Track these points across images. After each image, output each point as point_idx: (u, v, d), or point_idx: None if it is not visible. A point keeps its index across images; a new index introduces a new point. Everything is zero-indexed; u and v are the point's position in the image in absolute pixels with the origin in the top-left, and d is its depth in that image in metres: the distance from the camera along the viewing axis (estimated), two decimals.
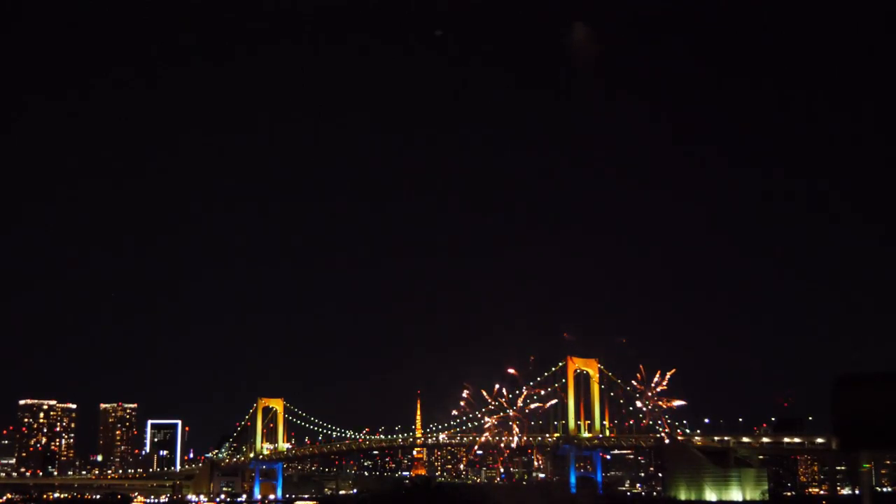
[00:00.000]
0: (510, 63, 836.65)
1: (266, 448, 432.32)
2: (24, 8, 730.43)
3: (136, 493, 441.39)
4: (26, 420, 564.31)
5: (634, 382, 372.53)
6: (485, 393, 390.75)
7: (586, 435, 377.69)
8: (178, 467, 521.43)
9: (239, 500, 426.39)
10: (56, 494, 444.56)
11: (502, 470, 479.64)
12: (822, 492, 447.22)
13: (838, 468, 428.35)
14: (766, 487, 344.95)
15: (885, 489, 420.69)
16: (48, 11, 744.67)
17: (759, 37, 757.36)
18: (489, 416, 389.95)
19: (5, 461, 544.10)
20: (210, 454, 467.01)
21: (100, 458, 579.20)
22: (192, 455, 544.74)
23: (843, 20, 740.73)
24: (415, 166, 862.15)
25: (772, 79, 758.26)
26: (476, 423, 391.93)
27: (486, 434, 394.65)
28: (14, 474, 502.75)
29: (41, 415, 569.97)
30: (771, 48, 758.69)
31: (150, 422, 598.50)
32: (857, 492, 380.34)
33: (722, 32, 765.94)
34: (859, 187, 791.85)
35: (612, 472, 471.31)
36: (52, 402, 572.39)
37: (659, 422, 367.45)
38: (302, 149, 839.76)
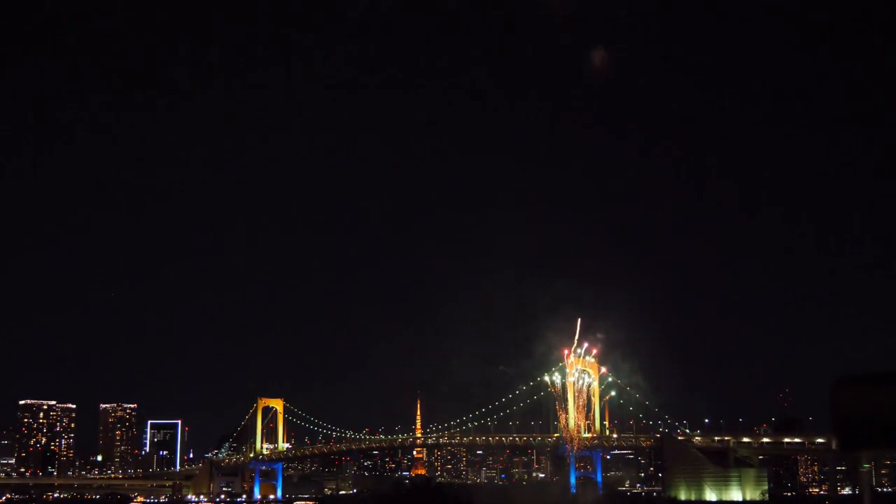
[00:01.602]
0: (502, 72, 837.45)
1: (266, 448, 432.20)
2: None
3: (135, 493, 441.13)
4: (26, 420, 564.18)
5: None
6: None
7: (586, 435, 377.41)
8: (178, 467, 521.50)
9: (239, 500, 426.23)
10: (56, 494, 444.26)
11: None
12: (822, 492, 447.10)
13: (838, 468, 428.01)
14: (766, 487, 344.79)
15: (885, 489, 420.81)
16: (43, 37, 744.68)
17: (752, 47, 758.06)
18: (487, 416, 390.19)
19: (5, 461, 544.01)
20: (210, 454, 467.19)
21: (100, 458, 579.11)
22: (192, 455, 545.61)
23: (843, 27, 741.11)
24: (412, 168, 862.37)
25: (765, 88, 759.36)
26: (475, 424, 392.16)
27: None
28: (14, 474, 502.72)
29: (41, 415, 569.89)
30: (762, 62, 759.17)
31: (150, 422, 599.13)
32: (857, 492, 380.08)
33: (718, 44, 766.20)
34: (859, 189, 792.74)
35: (612, 472, 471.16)
36: (52, 402, 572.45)
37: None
38: (300, 154, 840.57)
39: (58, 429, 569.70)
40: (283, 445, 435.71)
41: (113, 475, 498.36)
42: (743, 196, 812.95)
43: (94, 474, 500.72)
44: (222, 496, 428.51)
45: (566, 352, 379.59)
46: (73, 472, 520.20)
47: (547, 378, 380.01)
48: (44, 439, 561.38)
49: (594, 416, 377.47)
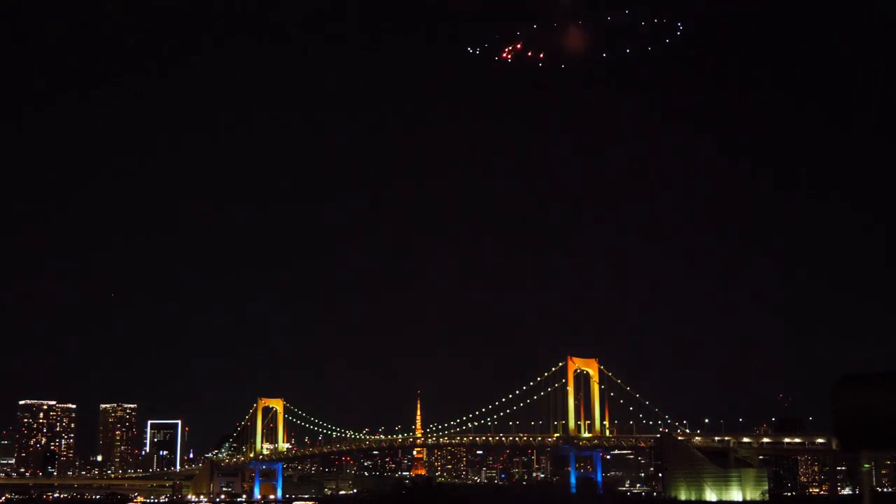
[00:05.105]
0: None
1: (266, 448, 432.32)
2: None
3: (136, 494, 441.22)
4: (26, 420, 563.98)
5: None
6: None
7: (586, 435, 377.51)
8: (178, 467, 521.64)
9: (239, 500, 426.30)
10: (56, 494, 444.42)
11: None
12: (822, 492, 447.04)
13: (838, 468, 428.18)
14: (766, 487, 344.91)
15: (885, 489, 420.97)
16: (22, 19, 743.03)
17: (762, 30, 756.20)
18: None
19: (5, 461, 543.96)
20: (210, 454, 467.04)
21: (100, 458, 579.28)
22: (192, 455, 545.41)
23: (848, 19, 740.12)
24: (416, 165, 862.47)
25: (774, 77, 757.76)
26: (475, 424, 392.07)
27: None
28: (14, 474, 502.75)
29: (41, 415, 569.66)
30: (771, 44, 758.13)
31: (150, 422, 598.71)
32: (857, 492, 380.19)
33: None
34: (861, 187, 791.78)
35: (612, 472, 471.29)
36: (52, 402, 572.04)
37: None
38: (300, 146, 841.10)
39: (58, 429, 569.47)
40: (283, 445, 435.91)
41: (113, 475, 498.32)
42: (745, 197, 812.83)
43: (94, 474, 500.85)
44: (222, 496, 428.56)
45: (568, 359, 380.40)
46: (73, 472, 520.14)
47: (546, 377, 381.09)
48: (44, 439, 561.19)
49: (594, 415, 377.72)
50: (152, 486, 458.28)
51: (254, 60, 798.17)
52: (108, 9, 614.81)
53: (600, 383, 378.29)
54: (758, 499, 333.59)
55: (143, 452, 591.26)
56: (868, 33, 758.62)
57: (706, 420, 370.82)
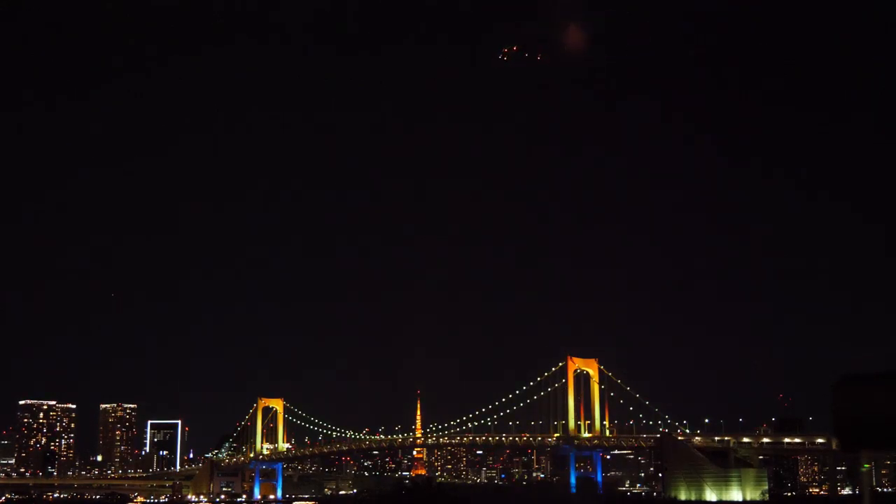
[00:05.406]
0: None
1: (266, 448, 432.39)
2: None
3: (135, 494, 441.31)
4: (26, 420, 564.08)
5: None
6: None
7: (586, 435, 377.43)
8: (178, 467, 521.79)
9: (239, 500, 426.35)
10: (56, 494, 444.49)
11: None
12: (822, 492, 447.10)
13: (838, 468, 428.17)
14: (766, 487, 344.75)
15: (885, 489, 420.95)
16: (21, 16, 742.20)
17: (762, 30, 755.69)
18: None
19: (5, 461, 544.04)
20: (210, 454, 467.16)
21: (100, 458, 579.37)
22: (192, 455, 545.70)
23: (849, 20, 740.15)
24: (417, 163, 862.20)
25: (774, 77, 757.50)
26: (475, 424, 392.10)
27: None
28: (14, 474, 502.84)
29: (41, 415, 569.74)
30: (772, 44, 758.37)
31: (150, 422, 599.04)
32: (857, 492, 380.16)
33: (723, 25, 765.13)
34: (861, 187, 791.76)
35: (612, 472, 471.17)
36: (52, 403, 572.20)
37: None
38: (300, 146, 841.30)
39: (58, 429, 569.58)
40: (283, 445, 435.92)
41: (113, 475, 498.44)
42: (745, 197, 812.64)
43: (94, 474, 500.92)
44: (222, 496, 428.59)
45: (568, 359, 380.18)
46: (73, 472, 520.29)
47: (546, 377, 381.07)
48: (44, 439, 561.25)
49: (594, 415, 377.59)
50: (152, 486, 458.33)
51: (254, 60, 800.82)
52: (108, 9, 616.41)
53: (600, 383, 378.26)
54: (758, 499, 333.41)
55: (143, 452, 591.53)
56: (868, 33, 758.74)
57: (706, 420, 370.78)
